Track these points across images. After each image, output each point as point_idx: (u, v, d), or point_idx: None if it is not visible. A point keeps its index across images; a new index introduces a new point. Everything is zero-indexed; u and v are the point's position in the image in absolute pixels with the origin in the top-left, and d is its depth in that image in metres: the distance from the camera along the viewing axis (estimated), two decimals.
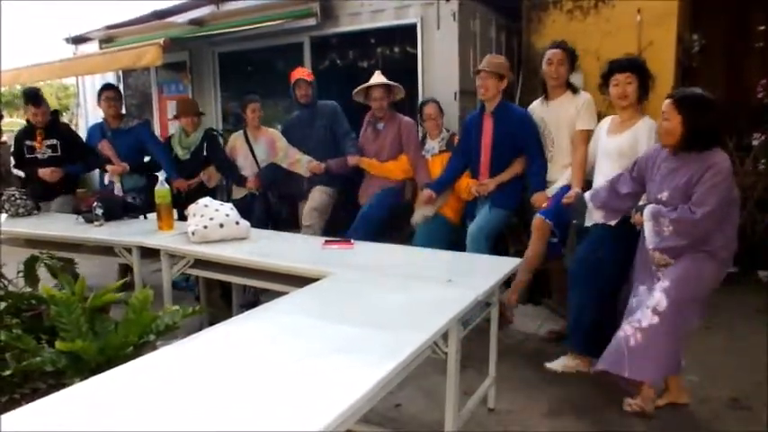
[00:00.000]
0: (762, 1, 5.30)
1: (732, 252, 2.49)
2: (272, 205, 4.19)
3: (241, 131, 4.27)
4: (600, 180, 2.94)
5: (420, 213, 3.75)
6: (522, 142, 3.43)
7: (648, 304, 2.46)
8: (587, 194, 2.88)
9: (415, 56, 4.71)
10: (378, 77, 3.96)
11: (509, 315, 3.50)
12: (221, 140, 4.61)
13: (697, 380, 2.89)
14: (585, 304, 2.87)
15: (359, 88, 4.01)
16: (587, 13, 4.70)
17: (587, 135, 3.20)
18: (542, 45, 4.82)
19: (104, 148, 4.29)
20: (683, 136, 2.39)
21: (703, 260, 2.45)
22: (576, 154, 3.23)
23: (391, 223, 3.97)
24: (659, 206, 2.47)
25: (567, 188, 3.21)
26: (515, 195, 3.54)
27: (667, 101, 2.45)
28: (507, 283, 2.46)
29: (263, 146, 4.17)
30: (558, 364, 3.01)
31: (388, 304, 1.94)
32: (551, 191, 3.33)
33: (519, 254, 3.47)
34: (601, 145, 3.02)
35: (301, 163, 4.09)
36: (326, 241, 2.93)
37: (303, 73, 4.15)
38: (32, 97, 4.23)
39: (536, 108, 3.50)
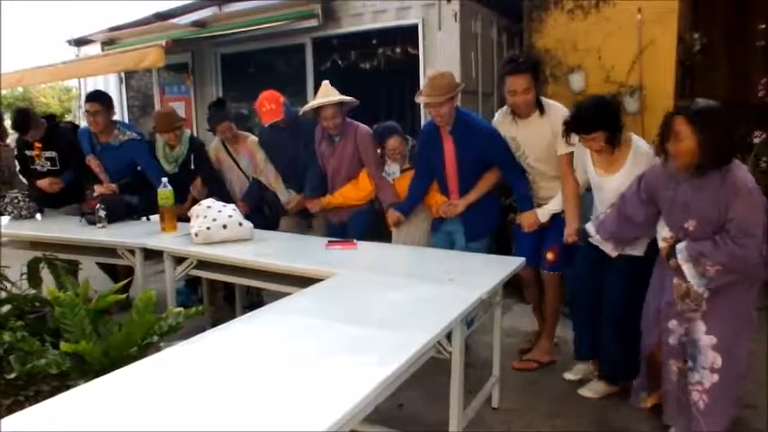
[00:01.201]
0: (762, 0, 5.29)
1: (766, 264, 2.25)
2: (266, 219, 3.90)
3: (220, 143, 3.98)
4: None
5: (400, 238, 3.44)
6: (491, 157, 3.12)
7: (704, 365, 2.30)
8: (590, 227, 2.65)
9: (417, 56, 4.72)
10: (326, 92, 3.40)
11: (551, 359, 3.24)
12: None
13: None
14: (623, 339, 2.66)
15: (306, 107, 3.51)
16: (588, 13, 4.70)
17: (571, 157, 2.89)
18: (544, 45, 4.84)
19: (91, 162, 3.93)
20: (703, 155, 2.12)
21: (743, 292, 2.26)
22: (567, 183, 2.93)
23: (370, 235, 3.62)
24: (695, 244, 2.22)
25: (562, 221, 2.97)
26: (491, 218, 3.27)
27: (679, 118, 2.17)
28: (508, 284, 2.44)
29: (246, 158, 3.93)
30: (594, 392, 2.83)
31: (391, 304, 1.95)
32: (546, 213, 3.05)
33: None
34: (595, 182, 2.75)
35: (281, 191, 3.83)
36: (329, 242, 2.93)
37: (263, 104, 3.62)
38: (18, 125, 3.97)
39: (503, 124, 3.11)
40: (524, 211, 3.11)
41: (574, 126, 2.60)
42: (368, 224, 3.59)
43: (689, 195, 2.22)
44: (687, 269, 2.22)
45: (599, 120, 2.52)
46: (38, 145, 3.99)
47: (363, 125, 3.53)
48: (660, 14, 4.40)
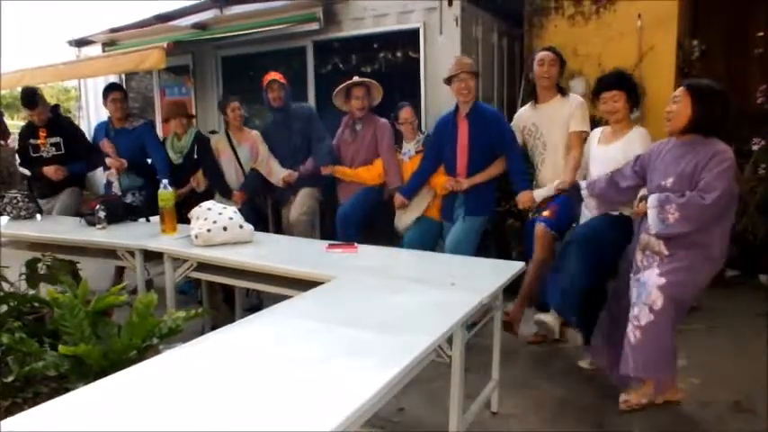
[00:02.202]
0: (761, 7, 5.31)
1: (725, 251, 2.52)
2: (260, 211, 4.20)
3: (224, 133, 4.23)
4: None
5: (403, 220, 3.78)
6: (499, 143, 3.44)
7: (645, 301, 2.49)
8: (583, 182, 2.94)
9: (418, 60, 4.73)
10: (356, 78, 3.98)
11: (516, 328, 3.38)
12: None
13: (699, 383, 2.89)
14: (578, 274, 2.83)
15: (339, 88, 3.97)
16: (588, 19, 4.72)
17: (582, 136, 3.23)
18: None
19: (104, 146, 4.27)
20: (691, 118, 2.43)
21: (700, 260, 2.47)
22: (572, 154, 3.24)
23: (373, 222, 3.97)
24: (664, 194, 2.48)
25: (561, 197, 3.21)
26: (490, 201, 3.58)
27: (681, 88, 2.52)
28: (508, 288, 2.44)
29: (246, 149, 4.14)
30: (541, 318, 3.19)
31: (392, 308, 1.94)
32: (543, 192, 3.32)
33: (521, 256, 3.48)
34: (592, 154, 3.05)
35: (275, 174, 4.09)
36: (330, 245, 2.93)
37: (275, 75, 4.09)
38: (27, 100, 4.20)
39: (525, 113, 3.50)
40: (522, 190, 3.38)
41: (600, 85, 2.95)
42: (373, 201, 3.94)
43: (674, 156, 2.52)
44: (651, 214, 2.48)
45: (624, 80, 2.94)
46: (43, 132, 4.23)
47: (384, 119, 3.97)
48: (660, 21, 4.43)
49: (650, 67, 4.47)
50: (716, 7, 5.29)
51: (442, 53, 4.56)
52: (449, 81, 3.47)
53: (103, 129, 4.40)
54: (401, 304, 1.97)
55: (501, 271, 2.44)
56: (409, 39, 4.77)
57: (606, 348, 2.80)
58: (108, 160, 4.23)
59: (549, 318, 3.16)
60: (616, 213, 2.91)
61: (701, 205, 2.36)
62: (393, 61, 5.03)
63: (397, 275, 2.40)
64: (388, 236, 3.88)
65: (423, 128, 4.38)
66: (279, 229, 4.25)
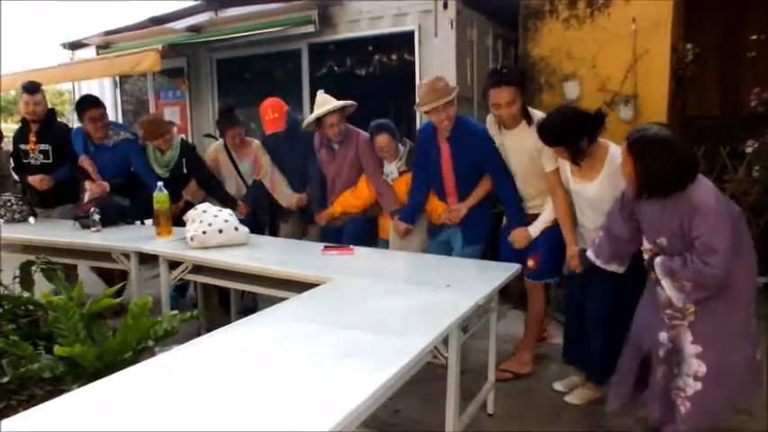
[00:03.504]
0: (755, 10, 5.36)
1: (755, 268, 2.33)
2: (261, 225, 4.00)
3: (222, 145, 4.02)
4: (588, 225, 2.78)
5: (403, 245, 3.44)
6: (484, 161, 3.13)
7: (688, 372, 2.31)
8: (590, 254, 2.62)
9: (413, 63, 4.74)
10: (324, 101, 3.47)
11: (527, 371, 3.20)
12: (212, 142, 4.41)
13: None
14: (608, 347, 2.68)
15: (308, 121, 3.54)
16: (583, 22, 4.74)
17: (557, 174, 2.86)
18: (539, 53, 4.89)
19: (84, 163, 3.91)
20: (638, 183, 2.20)
21: (730, 303, 2.26)
22: (557, 199, 2.88)
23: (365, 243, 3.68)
24: (668, 260, 2.27)
25: (547, 232, 3.00)
26: (487, 223, 3.32)
27: (623, 145, 2.25)
28: (503, 290, 2.44)
29: (247, 162, 3.98)
30: (577, 398, 2.86)
31: (388, 310, 1.94)
32: (538, 226, 3.04)
33: None
34: (573, 189, 2.78)
35: (284, 195, 3.89)
36: (326, 247, 2.93)
37: (270, 103, 3.73)
38: (27, 86, 4.01)
39: (492, 129, 3.10)
40: (516, 228, 3.08)
41: (541, 138, 2.64)
42: (362, 230, 3.64)
43: (656, 213, 2.27)
44: (665, 284, 2.27)
45: (558, 136, 2.58)
46: (33, 137, 4.02)
47: (365, 132, 3.58)
48: (654, 24, 4.45)
49: (644, 71, 4.49)
50: (710, 11, 5.33)
51: (437, 56, 4.57)
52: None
53: (81, 139, 3.96)
54: (397, 306, 1.97)
55: (496, 273, 2.44)
56: (404, 41, 4.78)
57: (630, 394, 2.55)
58: (88, 185, 3.92)
59: (590, 393, 2.87)
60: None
61: (709, 273, 2.15)
62: (388, 64, 5.04)
63: (392, 277, 2.40)
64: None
65: (418, 127, 4.32)
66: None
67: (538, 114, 2.95)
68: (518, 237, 3.06)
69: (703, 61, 4.96)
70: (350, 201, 3.60)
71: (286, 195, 3.88)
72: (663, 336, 2.39)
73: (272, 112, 3.68)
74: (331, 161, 3.65)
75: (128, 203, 3.93)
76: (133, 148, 4.02)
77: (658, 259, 2.31)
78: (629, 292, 2.56)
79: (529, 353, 3.19)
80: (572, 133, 2.55)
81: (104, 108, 4.02)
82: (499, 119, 2.97)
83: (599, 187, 2.63)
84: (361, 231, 3.64)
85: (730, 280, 2.21)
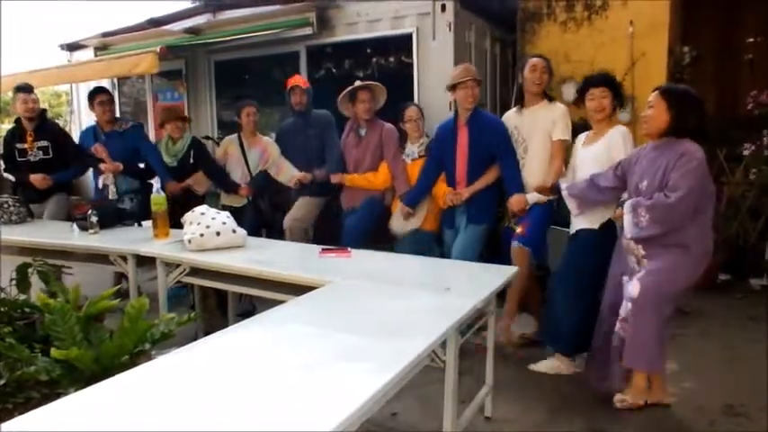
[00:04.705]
0: (752, 13, 5.38)
1: (708, 248, 2.55)
2: (263, 214, 4.19)
3: (235, 136, 4.27)
4: None
5: (400, 226, 3.77)
6: (497, 149, 3.43)
7: (627, 295, 2.57)
8: (563, 185, 2.97)
9: (411, 66, 4.74)
10: (360, 81, 3.99)
11: (508, 340, 3.43)
12: (213, 145, 4.56)
13: (691, 387, 2.91)
14: (570, 308, 2.95)
15: (345, 92, 3.96)
16: (581, 25, 4.76)
17: (565, 145, 3.29)
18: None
19: (98, 150, 4.17)
20: (666, 122, 2.49)
21: (678, 255, 2.51)
22: (554, 162, 3.29)
23: (375, 231, 3.96)
24: (636, 198, 2.55)
25: (538, 208, 3.29)
26: (492, 207, 3.56)
27: (655, 93, 2.56)
28: (501, 293, 2.44)
29: (256, 153, 4.19)
30: (543, 366, 3.11)
31: (386, 312, 1.94)
32: (535, 197, 3.30)
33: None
34: (579, 157, 3.09)
35: (285, 173, 4.13)
36: (323, 249, 2.92)
37: (299, 80, 4.17)
38: (22, 86, 4.15)
39: (511, 116, 3.52)
40: (515, 194, 3.35)
41: (589, 81, 2.98)
42: (377, 211, 3.94)
43: (649, 159, 2.56)
44: (626, 219, 2.56)
45: (610, 80, 2.98)
46: (30, 135, 4.14)
47: (390, 123, 3.95)
48: (651, 27, 4.47)
49: (642, 73, 4.50)
50: (707, 13, 5.35)
51: (435, 58, 4.57)
52: (452, 88, 3.47)
53: (91, 134, 4.33)
54: (395, 309, 1.97)
55: (495, 275, 2.44)
56: (402, 44, 4.78)
57: (599, 361, 2.81)
58: (103, 165, 4.16)
59: (555, 363, 3.11)
60: (596, 227, 2.94)
61: (666, 204, 2.42)
62: (386, 66, 5.03)
63: (390, 280, 2.39)
64: (388, 243, 3.89)
65: None
66: (282, 233, 4.19)
67: (557, 103, 3.41)
68: (516, 201, 3.34)
69: (700, 64, 4.98)
70: (371, 179, 3.93)
71: (286, 174, 4.12)
72: (626, 280, 2.64)
73: (300, 78, 4.16)
74: (356, 145, 3.99)
75: (138, 186, 4.27)
76: (141, 132, 4.44)
77: (629, 199, 2.60)
78: (595, 266, 2.87)
79: (509, 319, 3.40)
80: (618, 84, 3.00)
81: (111, 96, 4.40)
82: (530, 83, 3.34)
83: (601, 149, 2.94)
84: (375, 211, 3.94)
85: (682, 239, 2.48)
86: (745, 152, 4.53)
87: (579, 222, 3.00)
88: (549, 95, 3.40)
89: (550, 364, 3.10)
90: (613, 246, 2.81)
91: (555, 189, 3.06)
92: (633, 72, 4.51)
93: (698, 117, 2.50)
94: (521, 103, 3.46)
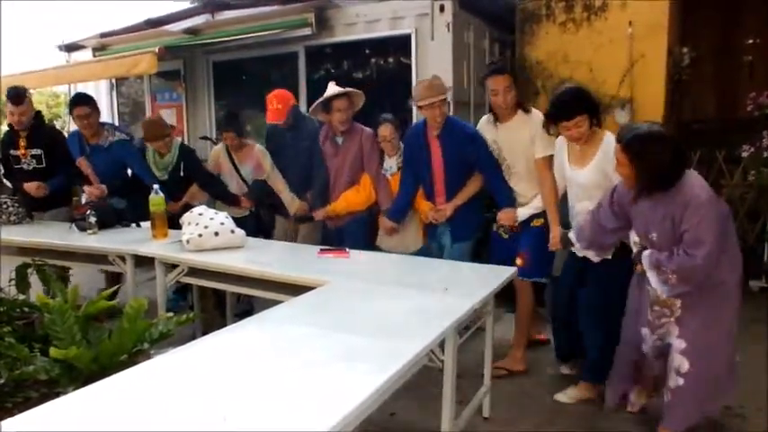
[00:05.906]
0: (751, 14, 5.39)
1: (740, 267, 2.37)
2: (264, 223, 4.05)
3: (223, 146, 4.06)
4: (578, 209, 2.82)
5: (386, 243, 3.53)
6: (476, 160, 3.19)
7: (671, 366, 2.38)
8: (572, 235, 2.73)
9: (410, 66, 4.74)
10: (334, 87, 3.55)
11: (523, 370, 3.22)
12: (211, 145, 4.43)
13: None
14: (595, 339, 2.77)
15: (318, 102, 3.59)
16: (580, 26, 4.76)
17: (548, 161, 2.97)
18: (536, 57, 4.90)
19: (82, 165, 3.90)
20: (639, 182, 2.26)
21: (717, 300, 2.31)
22: (545, 186, 2.99)
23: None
24: (656, 253, 2.32)
25: (535, 232, 3.08)
26: (475, 221, 3.35)
27: (617, 146, 2.29)
28: (499, 294, 2.44)
29: (249, 167, 4.00)
30: (568, 397, 2.88)
31: (384, 313, 1.94)
32: (526, 210, 3.13)
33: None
34: (568, 176, 2.85)
35: (285, 199, 3.88)
36: (322, 250, 2.92)
37: (271, 99, 3.76)
38: (12, 95, 3.86)
39: (485, 128, 3.21)
40: (504, 208, 3.17)
41: (558, 113, 2.68)
42: (364, 231, 3.66)
43: (648, 209, 2.32)
44: (651, 276, 2.34)
45: (580, 103, 2.64)
46: (23, 142, 3.94)
47: (369, 129, 3.61)
48: (651, 29, 4.47)
49: (641, 75, 4.51)
50: (706, 15, 5.36)
51: (433, 59, 4.58)
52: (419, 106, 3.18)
53: (76, 141, 3.96)
54: (393, 309, 1.97)
55: (493, 276, 2.44)
56: (401, 44, 4.79)
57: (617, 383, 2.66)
58: (87, 188, 3.88)
59: (582, 392, 2.88)
60: (609, 257, 2.69)
61: (693, 266, 2.19)
62: (385, 67, 5.04)
63: (388, 281, 2.40)
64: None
65: None
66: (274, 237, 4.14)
67: (532, 109, 3.11)
68: (506, 215, 3.15)
69: (699, 65, 4.99)
70: (353, 198, 3.60)
71: (287, 202, 3.89)
72: (648, 334, 2.45)
73: (276, 102, 3.73)
74: (334, 155, 3.65)
75: (125, 205, 3.91)
76: (128, 148, 4.02)
77: (646, 252, 2.37)
78: (619, 291, 2.62)
79: (521, 350, 3.22)
80: (591, 100, 2.70)
81: (93, 106, 3.93)
82: (496, 107, 3.07)
83: (592, 172, 2.70)
84: (362, 232, 3.64)
85: (718, 276, 2.26)
86: (744, 154, 4.54)
87: (588, 255, 2.72)
88: (523, 107, 3.09)
89: (576, 394, 2.87)
90: (628, 269, 2.57)
91: (566, 241, 2.77)
92: (632, 73, 4.51)
93: (667, 161, 2.19)
94: (495, 118, 3.14)
